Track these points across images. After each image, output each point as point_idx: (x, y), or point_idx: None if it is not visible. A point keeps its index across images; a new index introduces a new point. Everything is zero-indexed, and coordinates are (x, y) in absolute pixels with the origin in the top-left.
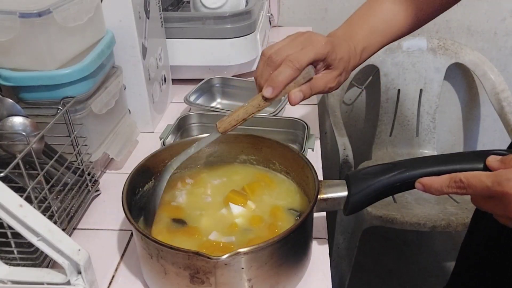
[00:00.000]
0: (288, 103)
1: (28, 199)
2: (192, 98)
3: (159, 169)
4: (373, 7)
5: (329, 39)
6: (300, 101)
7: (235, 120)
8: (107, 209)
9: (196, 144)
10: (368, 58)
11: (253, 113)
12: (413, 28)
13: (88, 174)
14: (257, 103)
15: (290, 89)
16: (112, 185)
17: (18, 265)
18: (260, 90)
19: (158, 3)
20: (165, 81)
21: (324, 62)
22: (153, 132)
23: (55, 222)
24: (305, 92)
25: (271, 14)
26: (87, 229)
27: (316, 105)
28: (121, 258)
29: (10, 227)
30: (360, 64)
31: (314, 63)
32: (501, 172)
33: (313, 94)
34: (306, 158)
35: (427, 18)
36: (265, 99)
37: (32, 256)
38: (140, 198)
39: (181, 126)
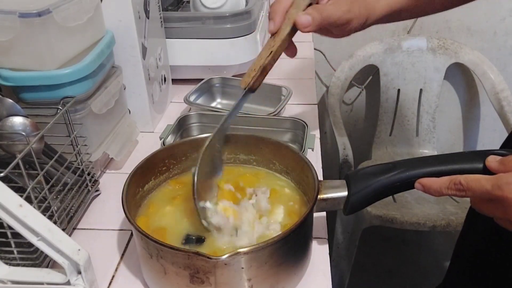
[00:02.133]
0: (288, 102)
1: (28, 199)
2: (192, 98)
3: (159, 169)
4: None
5: None
6: (311, 27)
7: (253, 70)
8: (107, 209)
9: (230, 110)
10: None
11: (268, 56)
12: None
13: (88, 174)
14: (268, 44)
15: (293, 16)
16: (112, 185)
17: (18, 265)
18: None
19: (158, 3)
20: (165, 81)
21: None
22: (153, 132)
23: (55, 222)
24: (313, 15)
25: None
26: (87, 229)
27: (316, 105)
28: (121, 258)
29: (10, 227)
30: (371, 20)
31: None
32: (501, 176)
33: (325, 21)
34: (306, 158)
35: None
36: (272, 35)
37: (32, 256)
38: (140, 198)
39: (181, 126)
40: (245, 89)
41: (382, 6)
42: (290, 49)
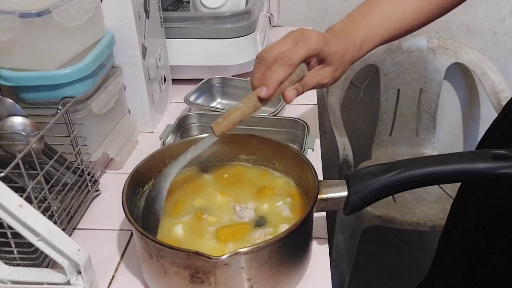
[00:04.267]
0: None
1: (28, 199)
2: (192, 98)
3: (159, 169)
4: (373, 2)
5: (321, 34)
6: (291, 99)
7: (232, 123)
8: (107, 209)
9: (192, 149)
10: (368, 51)
11: (249, 114)
12: (413, 25)
13: (88, 174)
14: (252, 103)
15: (285, 88)
16: (112, 185)
17: (18, 265)
18: (254, 90)
19: (158, 3)
20: (165, 81)
21: (318, 57)
22: (153, 132)
23: (55, 222)
24: (298, 90)
25: (271, 14)
26: (87, 229)
27: (316, 105)
28: (121, 258)
29: (10, 227)
30: (360, 57)
31: (307, 60)
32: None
33: (305, 91)
34: (306, 158)
35: (427, 17)
36: (261, 99)
37: (32, 256)
38: (140, 198)
39: (181, 126)
40: (217, 135)
41: (377, 37)
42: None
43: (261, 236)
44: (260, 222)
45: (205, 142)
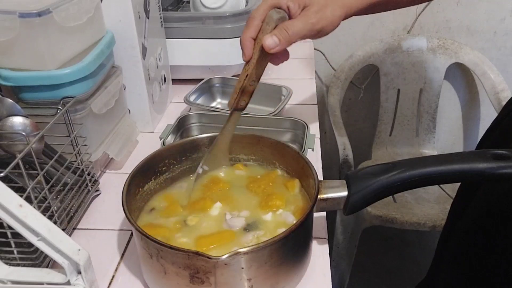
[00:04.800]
0: (288, 102)
1: (28, 199)
2: (192, 98)
3: (159, 169)
4: None
5: None
6: (280, 47)
7: (234, 92)
8: (107, 209)
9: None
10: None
11: (245, 79)
12: None
13: (88, 174)
14: (244, 68)
15: (261, 40)
16: (112, 185)
17: (18, 265)
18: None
19: (158, 3)
20: (165, 81)
21: (294, 2)
22: (153, 132)
23: (55, 222)
24: (279, 36)
25: None
26: (87, 229)
27: (316, 105)
28: (121, 258)
29: (10, 227)
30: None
31: (281, 7)
32: None
33: (294, 39)
34: (306, 158)
35: None
36: (246, 63)
37: (32, 256)
38: (140, 198)
39: (181, 126)
40: (231, 109)
41: (358, 2)
42: (280, 57)
43: (253, 239)
44: (250, 228)
45: (227, 121)
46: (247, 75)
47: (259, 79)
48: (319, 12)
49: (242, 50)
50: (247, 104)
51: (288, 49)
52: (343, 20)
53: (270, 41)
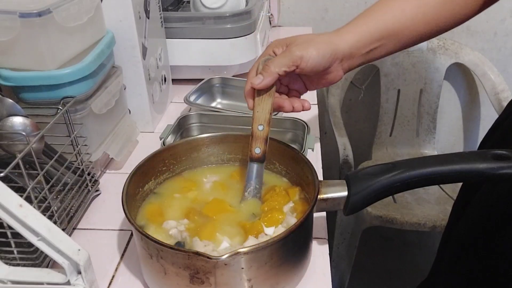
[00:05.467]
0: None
1: (28, 199)
2: (192, 98)
3: (159, 169)
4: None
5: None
6: (264, 82)
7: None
8: (107, 209)
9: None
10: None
11: (252, 125)
12: (425, 33)
13: (88, 174)
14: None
15: None
16: (112, 185)
17: (18, 265)
18: None
19: (158, 3)
20: (165, 81)
21: (278, 47)
22: (153, 132)
23: (55, 222)
24: (262, 71)
25: (271, 14)
26: (87, 229)
27: (316, 105)
28: (121, 258)
29: (10, 227)
30: (360, 63)
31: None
32: None
33: (275, 69)
34: (306, 158)
35: (442, 24)
36: (251, 109)
37: (32, 256)
38: (140, 198)
39: (181, 126)
40: (251, 160)
41: (349, 38)
42: (295, 106)
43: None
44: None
45: (248, 172)
46: (253, 119)
47: (268, 123)
48: (299, 45)
49: (246, 99)
50: (264, 153)
51: None
52: (343, 64)
53: (256, 80)
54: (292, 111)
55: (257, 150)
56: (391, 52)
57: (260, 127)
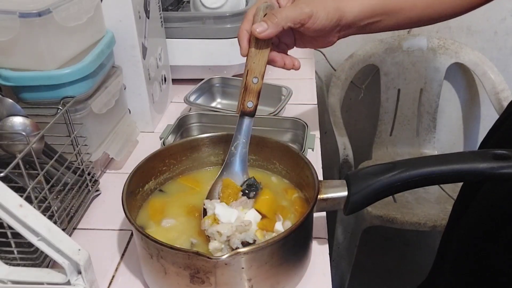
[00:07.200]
0: (288, 102)
1: (28, 199)
2: (192, 98)
3: (159, 169)
4: None
5: None
6: (268, 31)
7: (240, 93)
8: (107, 209)
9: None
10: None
11: (246, 77)
12: (426, 16)
13: (88, 174)
14: (245, 68)
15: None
16: (112, 185)
17: (18, 265)
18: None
19: (158, 3)
20: (165, 81)
21: None
22: (153, 132)
23: (55, 222)
24: (267, 20)
25: None
26: (87, 229)
27: (316, 105)
28: (121, 258)
29: (10, 227)
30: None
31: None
32: None
33: (282, 21)
34: (306, 158)
35: (446, 10)
36: (246, 59)
37: (32, 256)
38: (140, 198)
39: (181, 126)
40: (239, 113)
41: (354, 7)
42: (286, 62)
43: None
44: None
45: (237, 127)
46: (247, 70)
47: (263, 76)
48: (309, 3)
49: (239, 44)
50: (255, 107)
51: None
52: (344, 29)
53: (259, 27)
54: (282, 67)
55: (250, 104)
56: (387, 29)
57: (255, 80)
